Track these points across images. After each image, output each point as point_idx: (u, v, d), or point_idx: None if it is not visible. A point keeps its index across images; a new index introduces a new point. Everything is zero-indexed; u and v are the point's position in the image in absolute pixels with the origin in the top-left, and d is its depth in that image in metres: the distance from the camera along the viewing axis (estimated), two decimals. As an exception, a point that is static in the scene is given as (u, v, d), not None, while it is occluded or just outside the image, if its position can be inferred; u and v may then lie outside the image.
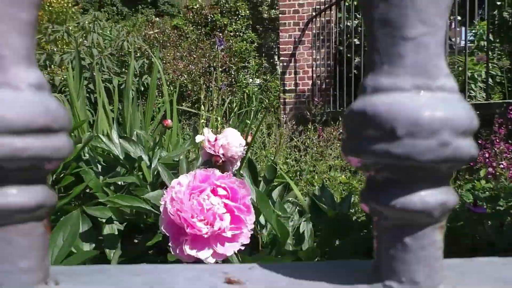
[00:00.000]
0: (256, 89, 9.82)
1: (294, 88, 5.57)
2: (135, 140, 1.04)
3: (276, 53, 16.10)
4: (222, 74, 6.08)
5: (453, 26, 3.78)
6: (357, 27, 5.22)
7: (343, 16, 4.80)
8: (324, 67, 5.27)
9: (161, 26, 6.37)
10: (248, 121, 1.85)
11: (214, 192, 0.58)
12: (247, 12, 11.91)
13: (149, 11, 17.23)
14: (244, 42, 11.06)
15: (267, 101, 6.26)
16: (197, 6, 11.41)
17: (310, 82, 5.48)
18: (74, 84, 1.93)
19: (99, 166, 1.12)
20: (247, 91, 8.65)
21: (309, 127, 2.42)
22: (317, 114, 3.52)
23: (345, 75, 4.60)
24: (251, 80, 10.04)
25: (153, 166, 1.00)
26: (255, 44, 11.46)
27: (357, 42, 5.07)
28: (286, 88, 5.62)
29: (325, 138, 2.21)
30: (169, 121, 0.93)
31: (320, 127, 3.51)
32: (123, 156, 1.04)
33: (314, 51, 5.32)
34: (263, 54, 15.35)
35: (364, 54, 4.73)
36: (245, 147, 0.89)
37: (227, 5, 11.52)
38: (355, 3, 5.03)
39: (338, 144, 2.07)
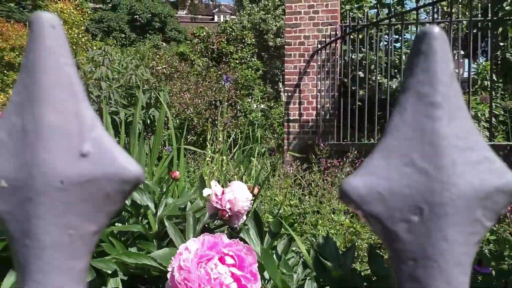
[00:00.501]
0: (259, 115, 9.90)
1: (298, 118, 5.61)
2: (141, 187, 1.05)
3: (281, 80, 16.31)
4: (228, 107, 6.15)
5: (455, 57, 3.83)
6: (362, 60, 5.30)
7: (348, 49, 4.88)
8: (328, 98, 5.32)
9: (169, 59, 6.47)
10: (252, 158, 1.86)
11: (221, 260, 0.59)
12: (253, 40, 12.15)
13: (156, 37, 17.56)
14: (250, 69, 11.24)
15: (271, 137, 6.26)
16: (204, 34, 11.65)
17: (314, 112, 5.52)
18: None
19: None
20: (251, 118, 8.72)
21: (313, 167, 2.42)
22: (322, 156, 3.52)
23: (349, 106, 4.64)
24: (255, 106, 10.12)
25: (159, 214, 1.01)
26: (260, 71, 11.63)
27: (362, 75, 5.13)
28: (290, 117, 5.66)
29: (330, 174, 2.22)
30: (177, 173, 0.94)
31: (324, 160, 3.52)
32: (129, 202, 1.05)
33: (318, 82, 5.39)
34: (268, 81, 15.56)
35: (369, 87, 4.79)
36: (252, 201, 0.90)
37: (233, 34, 11.77)
38: (360, 36, 5.11)
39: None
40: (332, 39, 5.01)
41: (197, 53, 11.03)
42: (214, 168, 1.70)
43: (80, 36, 6.01)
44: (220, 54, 11.33)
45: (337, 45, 5.16)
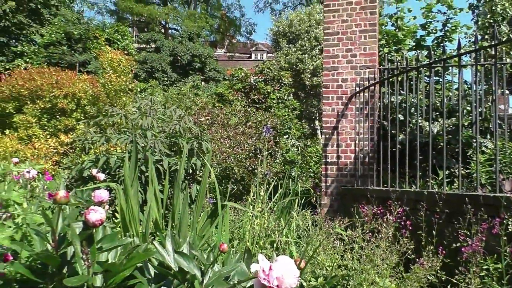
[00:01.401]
0: (295, 152, 9.88)
1: (336, 160, 5.56)
2: (187, 254, 1.06)
3: (317, 117, 16.33)
4: (268, 156, 6.19)
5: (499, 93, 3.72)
6: (401, 102, 5.24)
7: (388, 92, 4.84)
8: (367, 141, 5.25)
9: (211, 108, 6.65)
10: (293, 212, 1.84)
11: None
12: (290, 80, 12.32)
13: (196, 76, 18.16)
14: (286, 108, 11.34)
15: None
16: (242, 74, 11.94)
17: (352, 155, 5.46)
18: (129, 173, 2.02)
19: (152, 272, 1.15)
20: (287, 157, 8.72)
21: (354, 214, 2.36)
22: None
23: (389, 150, 4.55)
24: (291, 145, 10.13)
25: (205, 282, 1.01)
26: (297, 111, 11.71)
27: (401, 118, 5.05)
28: (328, 160, 5.61)
29: (374, 229, 2.16)
30: (225, 246, 0.95)
31: (364, 210, 3.43)
32: (177, 269, 1.06)
33: (357, 125, 5.35)
34: (304, 119, 15.62)
35: (409, 131, 4.70)
36: (299, 277, 0.88)
37: (270, 74, 11.99)
38: (399, 78, 5.08)
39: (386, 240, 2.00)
40: (371, 82, 5.00)
41: (235, 95, 11.27)
42: (255, 222, 1.69)
43: (128, 83, 6.34)
44: (257, 94, 11.53)
45: (376, 87, 5.15)
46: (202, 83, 18.52)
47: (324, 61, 5.66)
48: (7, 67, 16.92)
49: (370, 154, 5.28)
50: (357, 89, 5.34)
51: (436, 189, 3.89)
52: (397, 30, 6.73)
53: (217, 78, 18.65)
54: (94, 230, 1.01)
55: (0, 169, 1.74)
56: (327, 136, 5.66)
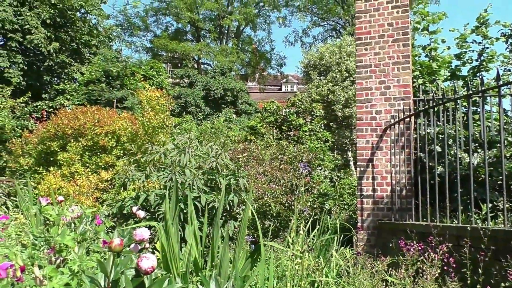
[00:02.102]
0: (328, 182, 9.75)
1: (372, 193, 5.45)
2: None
3: (350, 149, 16.17)
4: (305, 193, 6.16)
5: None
6: (438, 134, 5.13)
7: (425, 124, 4.76)
8: (404, 173, 5.14)
9: (246, 144, 6.74)
10: (332, 251, 1.82)
11: None
12: (321, 111, 12.34)
13: (229, 110, 18.49)
14: (319, 140, 11.31)
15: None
16: (274, 107, 12.07)
17: (389, 188, 5.34)
18: (169, 211, 2.06)
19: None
20: (321, 189, 8.62)
21: (393, 248, 2.29)
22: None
23: (428, 183, 4.42)
24: (324, 177, 10.03)
25: (251, 329, 1.01)
26: (330, 142, 11.65)
27: (439, 149, 4.93)
28: (363, 193, 5.51)
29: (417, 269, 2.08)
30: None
31: (405, 248, 3.32)
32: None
33: (392, 157, 5.26)
34: (336, 150, 15.48)
35: (448, 163, 4.57)
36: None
37: (302, 106, 12.07)
38: (436, 109, 5.00)
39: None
40: (406, 114, 4.94)
41: (267, 127, 11.37)
42: (295, 262, 1.68)
43: (165, 120, 6.55)
44: (289, 126, 11.59)
45: (411, 119, 5.08)
46: (234, 116, 18.83)
47: (357, 93, 5.66)
48: (51, 105, 17.78)
49: (407, 187, 5.15)
50: (392, 121, 5.28)
51: (480, 224, 3.74)
52: (431, 60, 6.68)
53: (249, 111, 18.93)
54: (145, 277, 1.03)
55: (54, 215, 1.82)
56: (362, 168, 5.58)
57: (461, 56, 6.68)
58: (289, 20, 40.74)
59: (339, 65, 14.74)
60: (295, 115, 12.05)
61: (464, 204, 4.36)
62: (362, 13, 5.73)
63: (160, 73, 18.52)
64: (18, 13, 17.61)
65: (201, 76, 20.80)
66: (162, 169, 3.61)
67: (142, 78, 17.77)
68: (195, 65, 31.74)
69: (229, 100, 19.07)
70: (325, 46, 15.91)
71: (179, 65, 31.97)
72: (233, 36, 35.14)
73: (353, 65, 14.28)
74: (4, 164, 13.30)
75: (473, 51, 6.58)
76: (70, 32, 19.44)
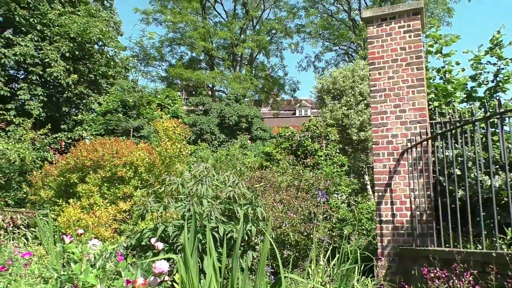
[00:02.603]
0: (346, 207, 9.61)
1: (391, 219, 5.36)
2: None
3: (366, 172, 15.98)
4: (323, 220, 6.10)
5: None
6: (457, 156, 5.05)
7: (443, 146, 4.71)
8: (423, 197, 5.05)
9: (263, 172, 6.76)
10: (354, 282, 1.78)
11: None
12: (337, 136, 12.31)
13: (243, 136, 18.58)
14: (334, 165, 11.23)
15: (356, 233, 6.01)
16: (289, 133, 12.10)
17: (408, 213, 5.25)
18: (188, 243, 2.06)
19: None
20: (338, 215, 8.49)
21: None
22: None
23: (449, 207, 4.33)
24: (341, 202, 9.90)
25: None
26: (346, 167, 11.56)
27: (459, 172, 4.84)
28: (382, 218, 5.42)
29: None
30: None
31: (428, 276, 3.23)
32: None
33: (411, 181, 5.18)
34: (352, 174, 15.32)
35: (468, 186, 4.47)
36: None
37: (317, 131, 12.06)
38: (453, 132, 4.94)
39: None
40: (423, 137, 4.90)
41: (282, 153, 11.37)
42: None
43: (182, 149, 6.64)
44: (304, 152, 11.56)
45: (429, 142, 5.02)
46: (249, 142, 18.91)
47: (373, 117, 5.65)
48: (69, 136, 18.13)
49: (427, 212, 5.05)
50: (409, 144, 5.24)
51: (506, 250, 3.62)
52: (446, 83, 6.65)
53: (263, 137, 18.99)
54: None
55: (77, 252, 1.83)
56: (380, 193, 5.51)
57: (477, 78, 6.65)
58: (301, 46, 41.21)
59: (352, 89, 14.78)
60: (310, 140, 12.04)
61: (487, 229, 4.24)
62: (374, 38, 5.78)
63: (175, 101, 18.81)
64: (39, 47, 18.26)
65: (215, 103, 21.06)
66: (180, 199, 3.63)
67: (158, 107, 18.06)
68: (210, 92, 32.19)
69: (243, 127, 19.19)
70: (338, 71, 16.00)
71: (193, 92, 32.47)
72: (247, 63, 35.67)
73: (367, 88, 14.29)
74: (24, 195, 13.52)
75: (488, 72, 6.55)
76: (88, 64, 20.05)
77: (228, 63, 33.37)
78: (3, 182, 12.77)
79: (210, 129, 18.43)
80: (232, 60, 33.92)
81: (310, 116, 20.84)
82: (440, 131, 4.66)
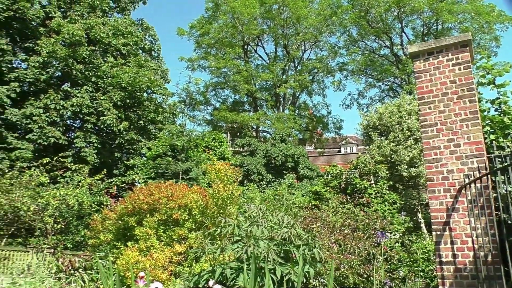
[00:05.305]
0: (401, 249, 9.19)
1: (452, 260, 5.08)
2: None
3: (419, 210, 15.33)
4: (384, 261, 5.91)
5: None
6: (521, 191, 4.78)
7: (506, 181, 4.49)
8: (487, 237, 4.77)
9: (317, 213, 6.70)
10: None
11: None
12: (386, 173, 12.01)
13: (290, 176, 18.56)
14: (385, 203, 10.90)
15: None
16: (337, 171, 11.95)
17: (471, 253, 4.95)
18: (249, 286, 2.08)
19: None
20: (400, 257, 8.12)
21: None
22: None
23: (516, 247, 4.07)
24: (395, 242, 9.52)
25: None
26: (398, 204, 11.18)
27: (524, 209, 4.57)
28: (442, 259, 5.14)
29: None
30: None
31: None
32: None
33: (472, 219, 4.93)
34: (404, 212, 14.73)
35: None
36: None
37: (366, 168, 11.84)
38: (513, 166, 4.71)
39: None
40: (481, 172, 4.69)
41: (331, 191, 11.22)
42: None
43: (234, 191, 6.77)
44: (353, 190, 11.34)
45: (489, 177, 4.80)
46: (296, 181, 18.81)
47: (425, 153, 5.51)
48: (123, 180, 18.85)
49: (492, 252, 4.75)
50: (466, 180, 5.03)
51: None
52: (501, 115, 6.40)
53: (310, 175, 18.87)
54: None
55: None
56: (438, 232, 5.27)
57: (535, 107, 6.35)
58: (344, 84, 41.27)
59: (400, 124, 14.50)
60: (358, 177, 11.81)
61: None
62: (422, 73, 5.73)
63: (222, 143, 19.24)
64: (93, 97, 19.49)
65: (261, 144, 21.33)
66: (236, 241, 3.66)
67: (205, 150, 18.50)
68: (254, 133, 32.64)
69: (290, 166, 19.19)
70: (384, 106, 15.82)
71: (238, 134, 33.08)
72: (289, 103, 36.07)
73: (415, 123, 13.97)
74: (82, 238, 14.06)
75: (547, 100, 6.25)
76: (138, 111, 21.08)
77: (271, 103, 33.90)
78: (63, 226, 13.41)
79: (257, 170, 18.58)
80: (275, 101, 34.45)
81: (357, 153, 20.54)
82: (501, 165, 4.46)
